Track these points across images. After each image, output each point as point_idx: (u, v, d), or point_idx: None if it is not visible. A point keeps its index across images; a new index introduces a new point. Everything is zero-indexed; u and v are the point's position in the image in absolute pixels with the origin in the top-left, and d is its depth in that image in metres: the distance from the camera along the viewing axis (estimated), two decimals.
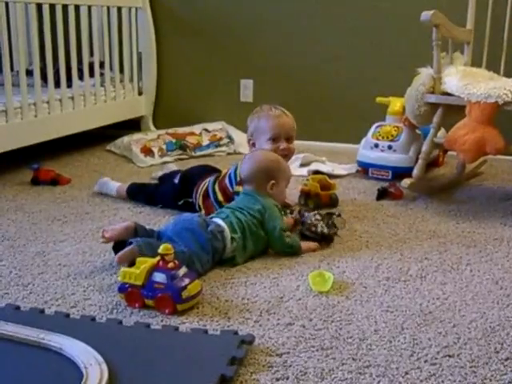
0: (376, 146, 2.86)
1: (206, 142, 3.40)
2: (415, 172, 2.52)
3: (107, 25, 3.44)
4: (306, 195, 2.45)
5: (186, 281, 1.52)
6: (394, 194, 2.55)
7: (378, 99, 3.04)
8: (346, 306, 1.59)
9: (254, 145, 2.31)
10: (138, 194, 2.48)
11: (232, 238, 1.83)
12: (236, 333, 1.40)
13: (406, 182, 2.50)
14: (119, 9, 3.53)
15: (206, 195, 2.26)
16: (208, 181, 2.28)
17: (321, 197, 2.41)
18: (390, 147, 2.83)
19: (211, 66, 3.74)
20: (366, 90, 3.38)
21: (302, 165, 3.00)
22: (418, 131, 2.88)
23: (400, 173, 2.80)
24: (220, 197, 2.21)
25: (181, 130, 3.49)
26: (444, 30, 2.50)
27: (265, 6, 3.59)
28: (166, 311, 1.50)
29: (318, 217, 2.03)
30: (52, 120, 3.03)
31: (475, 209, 2.44)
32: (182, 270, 1.54)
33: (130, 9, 3.61)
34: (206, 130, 3.51)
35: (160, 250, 1.54)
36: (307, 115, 3.54)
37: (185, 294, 1.50)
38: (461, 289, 1.71)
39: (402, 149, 2.81)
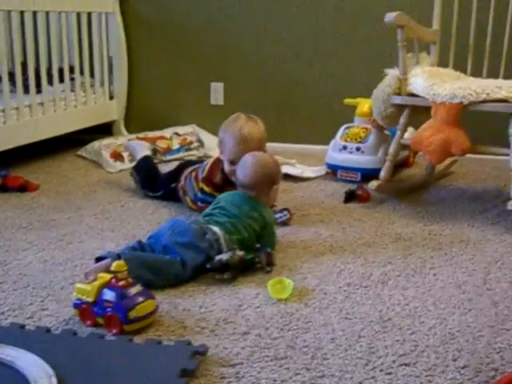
0: (344, 147, 2.86)
1: (176, 145, 3.39)
2: (382, 174, 2.52)
3: (77, 30, 3.39)
4: None
5: (137, 300, 1.47)
6: (362, 197, 2.54)
7: (346, 101, 3.04)
8: (305, 313, 1.58)
9: (221, 153, 2.30)
10: (144, 169, 2.65)
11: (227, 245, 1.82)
12: (189, 343, 1.39)
13: (373, 184, 2.50)
14: (89, 14, 3.50)
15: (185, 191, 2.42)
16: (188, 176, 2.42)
17: None
18: (358, 149, 2.82)
19: (182, 69, 3.72)
20: (335, 91, 3.39)
21: None
22: (386, 132, 2.88)
23: (369, 174, 2.79)
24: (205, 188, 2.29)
25: (151, 134, 3.46)
26: (409, 31, 2.50)
27: (234, 9, 3.58)
28: (114, 331, 1.45)
29: (237, 251, 1.79)
30: (21, 126, 2.99)
31: (443, 210, 2.45)
32: (135, 289, 1.49)
33: (100, 14, 3.58)
34: (177, 133, 3.50)
35: (112, 268, 1.51)
36: (277, 117, 3.55)
37: (132, 315, 1.44)
38: (423, 294, 1.70)
39: (370, 150, 2.81)
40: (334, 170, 2.91)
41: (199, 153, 3.40)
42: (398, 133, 2.52)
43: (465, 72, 2.71)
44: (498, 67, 2.67)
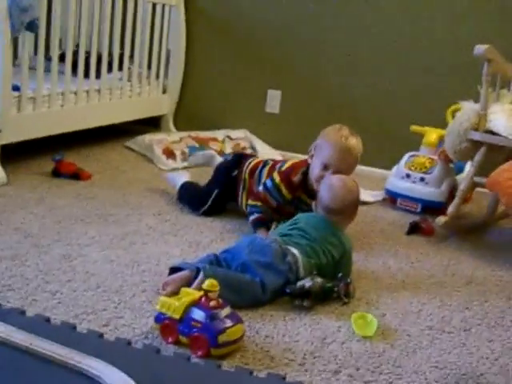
0: (408, 176, 2.78)
1: (228, 149, 3.31)
2: (451, 210, 2.44)
3: (140, 19, 3.33)
4: None
5: (227, 323, 1.39)
6: (426, 230, 2.47)
7: (413, 128, 2.96)
8: (393, 356, 1.50)
9: (311, 157, 2.22)
10: (186, 193, 2.51)
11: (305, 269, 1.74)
12: (284, 378, 1.31)
13: (440, 219, 2.42)
14: (154, 5, 3.43)
15: (253, 171, 2.37)
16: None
17: None
18: (422, 179, 2.75)
19: (240, 71, 3.66)
20: (401, 115, 3.33)
21: None
22: (451, 165, 2.81)
23: (429, 207, 2.73)
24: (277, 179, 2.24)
25: (203, 135, 3.39)
26: (495, 66, 2.43)
27: (301, 17, 3.50)
28: (199, 353, 1.37)
29: (318, 279, 1.70)
30: (77, 111, 2.93)
31: (509, 255, 2.37)
32: (225, 311, 1.41)
33: (163, 5, 3.51)
34: (229, 137, 3.42)
35: (204, 286, 1.43)
36: None
37: (222, 339, 1.36)
38: (510, 349, 1.62)
39: (434, 182, 2.73)
40: (393, 198, 2.83)
41: None
42: (472, 169, 2.45)
43: None
44: None
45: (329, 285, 1.74)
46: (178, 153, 3.13)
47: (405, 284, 1.97)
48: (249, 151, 3.34)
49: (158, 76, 3.58)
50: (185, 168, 3.04)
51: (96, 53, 3.01)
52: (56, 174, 2.63)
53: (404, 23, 3.35)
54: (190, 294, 1.45)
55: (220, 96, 3.70)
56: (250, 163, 2.42)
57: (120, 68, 3.22)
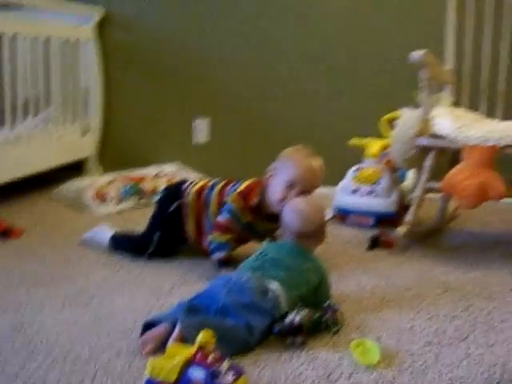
0: (356, 190, 2.72)
1: (163, 186, 3.13)
2: (409, 219, 2.40)
3: (44, 58, 3.08)
4: None
5: (231, 379, 1.24)
6: (387, 243, 2.40)
7: (352, 141, 2.91)
8: (405, 381, 1.39)
9: (271, 177, 2.09)
10: (123, 241, 2.28)
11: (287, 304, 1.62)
12: None
13: (400, 230, 2.37)
14: (64, 42, 3.22)
15: (200, 193, 2.18)
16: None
17: None
18: (371, 192, 2.70)
19: (163, 103, 3.51)
20: (335, 129, 3.28)
21: None
22: (396, 175, 2.78)
23: (382, 219, 2.68)
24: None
25: (134, 174, 3.21)
26: (432, 70, 2.42)
27: (220, 40, 3.42)
28: None
29: (304, 311, 1.58)
30: None
31: (474, 255, 2.34)
32: (225, 365, 1.26)
33: (76, 41, 3.31)
34: (160, 173, 3.25)
35: (199, 339, 1.27)
36: (272, 157, 3.38)
37: None
38: None
39: (384, 193, 2.69)
40: (343, 215, 2.76)
41: None
42: (425, 175, 2.41)
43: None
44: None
45: (317, 315, 1.61)
46: (111, 195, 2.93)
47: (386, 301, 1.88)
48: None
49: (75, 117, 3.37)
50: (119, 212, 2.86)
51: (10, 99, 2.77)
52: None
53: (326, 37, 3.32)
54: (180, 351, 1.29)
55: (146, 131, 3.54)
56: (193, 185, 2.21)
57: (32, 114, 2.98)
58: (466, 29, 2.71)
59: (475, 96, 2.68)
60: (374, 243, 2.40)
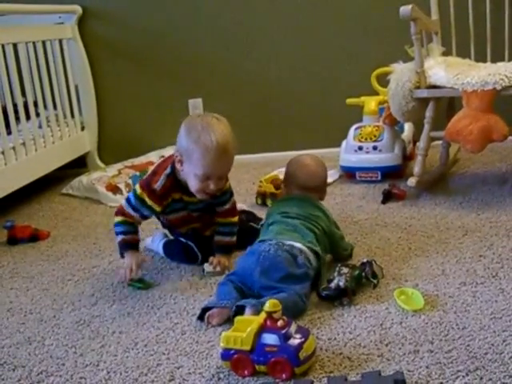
0: (360, 148, 2.82)
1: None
2: (417, 169, 2.50)
3: (35, 60, 3.08)
4: (262, 196, 2.61)
5: (302, 339, 1.34)
6: (399, 195, 2.51)
7: (349, 101, 2.99)
8: (452, 320, 1.51)
9: (180, 162, 1.88)
10: (173, 251, 2.13)
11: (316, 256, 1.76)
12: (380, 374, 1.28)
13: (411, 181, 2.48)
14: (49, 42, 3.23)
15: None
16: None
17: (277, 196, 2.49)
18: (375, 148, 2.79)
19: (155, 89, 3.54)
20: (330, 94, 3.34)
21: None
22: (396, 128, 2.88)
23: (388, 172, 2.78)
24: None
25: (137, 161, 3.27)
26: (420, 23, 2.50)
27: (202, 20, 3.44)
28: (284, 376, 1.32)
29: (344, 270, 1.69)
30: (8, 172, 2.71)
31: (483, 196, 2.45)
32: (293, 327, 1.37)
33: (60, 41, 3.33)
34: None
35: (266, 308, 1.37)
36: (273, 127, 3.48)
37: (302, 355, 1.32)
38: None
39: (387, 148, 2.78)
40: (350, 173, 2.86)
41: None
42: (427, 126, 2.51)
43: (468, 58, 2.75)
44: (500, 51, 2.71)
45: (357, 272, 1.72)
46: (122, 186, 2.99)
47: (413, 251, 1.99)
48: None
49: (72, 114, 3.41)
50: None
51: (11, 105, 2.81)
52: (12, 241, 2.43)
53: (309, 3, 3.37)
54: (250, 321, 1.39)
55: (141, 118, 3.57)
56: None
57: (29, 116, 3.00)
58: None
59: (463, 43, 2.77)
60: (387, 196, 2.51)
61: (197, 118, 1.94)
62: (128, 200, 1.97)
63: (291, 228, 1.81)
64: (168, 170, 1.93)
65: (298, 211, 1.87)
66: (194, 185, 1.89)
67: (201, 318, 1.63)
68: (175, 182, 1.94)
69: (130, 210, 1.96)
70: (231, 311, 1.56)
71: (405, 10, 2.41)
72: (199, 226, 2.10)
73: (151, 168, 2.07)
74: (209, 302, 1.68)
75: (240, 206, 2.29)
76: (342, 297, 1.64)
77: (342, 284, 1.64)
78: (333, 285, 1.65)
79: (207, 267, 1.96)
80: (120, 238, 1.97)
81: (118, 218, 1.98)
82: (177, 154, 1.89)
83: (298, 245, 1.75)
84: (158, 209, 1.95)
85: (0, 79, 2.87)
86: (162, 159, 2.07)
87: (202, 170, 1.83)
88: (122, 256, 1.96)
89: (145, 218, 2.00)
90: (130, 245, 1.96)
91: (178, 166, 1.90)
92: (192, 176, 1.87)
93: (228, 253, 2.03)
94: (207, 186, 1.87)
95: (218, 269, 1.94)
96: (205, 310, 1.63)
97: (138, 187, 1.96)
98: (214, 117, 1.89)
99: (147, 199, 1.93)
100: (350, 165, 2.86)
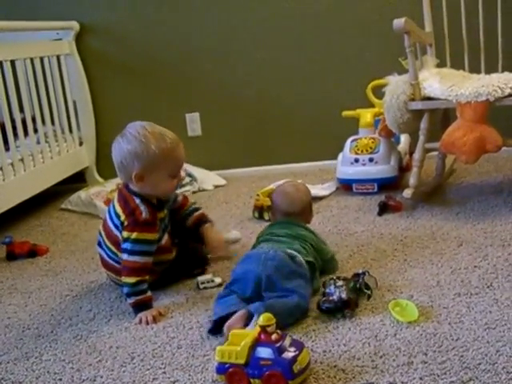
0: (356, 160, 2.83)
1: None
2: (412, 181, 2.52)
3: (33, 76, 3.11)
4: (259, 209, 2.62)
5: (295, 352, 1.36)
6: (395, 207, 2.53)
7: (345, 113, 3.02)
8: (446, 331, 1.52)
9: (141, 179, 1.85)
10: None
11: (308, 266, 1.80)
12: None
13: (407, 192, 2.49)
14: (47, 58, 3.26)
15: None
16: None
17: None
18: (371, 160, 2.81)
19: (152, 103, 3.56)
20: (326, 107, 3.36)
21: None
22: (392, 140, 2.89)
23: (385, 184, 2.80)
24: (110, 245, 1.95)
25: None
26: (414, 36, 2.52)
27: (198, 35, 3.47)
28: None
29: (340, 283, 1.71)
30: (6, 187, 2.73)
31: (479, 207, 2.47)
32: (288, 340, 1.38)
33: (58, 57, 3.36)
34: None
35: (260, 322, 1.38)
36: (270, 140, 3.51)
37: (296, 368, 1.33)
38: None
39: (383, 159, 2.80)
40: (347, 185, 2.87)
41: (193, 187, 3.26)
42: (422, 138, 2.53)
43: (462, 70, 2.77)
44: (494, 62, 2.73)
45: (351, 284, 1.73)
46: None
47: (408, 262, 2.01)
48: (188, 180, 3.28)
49: (71, 129, 3.43)
50: None
51: (10, 121, 2.83)
52: (11, 257, 2.45)
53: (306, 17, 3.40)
54: (244, 335, 1.40)
55: None
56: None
57: (28, 132, 3.02)
58: None
59: (457, 54, 2.79)
60: (383, 209, 2.52)
61: (127, 139, 1.93)
62: (129, 252, 1.84)
63: (281, 242, 1.86)
64: (136, 198, 1.88)
65: (286, 232, 1.91)
66: (166, 186, 1.91)
67: (212, 331, 1.63)
68: (149, 203, 1.89)
69: (139, 259, 1.84)
70: (248, 313, 1.57)
71: (398, 22, 2.44)
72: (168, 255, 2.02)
73: (120, 212, 1.90)
74: (221, 312, 1.65)
75: (235, 233, 2.36)
76: (344, 308, 1.65)
77: (344, 296, 1.65)
78: (335, 297, 1.66)
79: (201, 279, 1.98)
80: (132, 299, 1.83)
81: (131, 280, 1.82)
82: (133, 176, 1.84)
83: (291, 251, 1.80)
84: (156, 238, 1.90)
85: None
86: (117, 200, 1.94)
87: (175, 168, 1.92)
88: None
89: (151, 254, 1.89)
90: (145, 305, 1.83)
91: (138, 185, 1.86)
92: (163, 180, 1.88)
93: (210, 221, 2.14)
94: (173, 186, 1.96)
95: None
96: (216, 321, 1.63)
97: (127, 233, 1.84)
98: (132, 134, 1.93)
99: (147, 234, 1.86)
100: (346, 177, 2.87)
